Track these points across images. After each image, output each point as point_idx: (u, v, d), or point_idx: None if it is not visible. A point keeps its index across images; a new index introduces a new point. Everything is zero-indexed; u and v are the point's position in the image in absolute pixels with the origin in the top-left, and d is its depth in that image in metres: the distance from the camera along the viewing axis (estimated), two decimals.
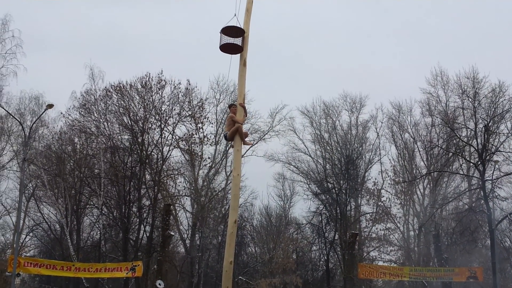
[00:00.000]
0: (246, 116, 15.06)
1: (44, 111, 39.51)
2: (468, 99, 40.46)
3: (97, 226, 43.35)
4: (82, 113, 41.01)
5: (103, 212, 40.78)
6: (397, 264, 45.50)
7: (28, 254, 48.10)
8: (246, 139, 14.42)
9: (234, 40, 14.13)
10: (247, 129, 45.41)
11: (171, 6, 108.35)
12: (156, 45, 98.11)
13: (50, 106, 36.37)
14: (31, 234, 48.76)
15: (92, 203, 42.92)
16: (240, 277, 43.95)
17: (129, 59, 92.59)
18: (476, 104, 38.90)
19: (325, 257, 45.91)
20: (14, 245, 36.68)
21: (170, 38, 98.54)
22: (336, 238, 44.64)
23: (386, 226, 45.91)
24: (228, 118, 14.51)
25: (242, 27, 14.26)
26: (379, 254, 47.08)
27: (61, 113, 41.66)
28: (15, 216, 44.49)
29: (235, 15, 14.37)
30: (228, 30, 14.15)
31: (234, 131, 14.00)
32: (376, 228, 46.09)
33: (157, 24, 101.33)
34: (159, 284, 32.58)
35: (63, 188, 41.20)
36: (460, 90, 42.24)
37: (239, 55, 14.41)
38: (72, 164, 42.45)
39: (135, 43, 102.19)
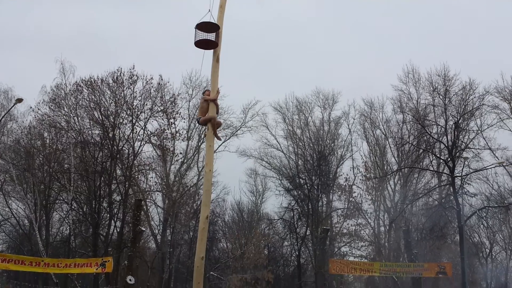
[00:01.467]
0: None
1: (13, 106, 38.98)
2: (439, 97, 40.96)
3: (66, 221, 42.88)
4: (52, 107, 40.40)
5: (73, 207, 40.32)
6: (368, 259, 45.87)
7: None
8: (218, 131, 14.28)
9: (208, 35, 14.01)
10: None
11: (144, 1, 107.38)
12: (128, 41, 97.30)
13: (20, 100, 35.88)
14: None
15: (61, 198, 42.34)
16: (211, 272, 43.92)
17: (101, 56, 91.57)
18: (446, 102, 39.38)
19: (297, 253, 46.09)
20: None
21: (143, 33, 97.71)
22: (307, 233, 44.86)
23: (357, 221, 46.24)
24: (201, 101, 14.41)
25: (216, 23, 14.15)
26: (350, 250, 47.43)
27: (31, 107, 40.98)
28: None
29: (209, 10, 14.24)
30: (203, 26, 14.02)
31: (207, 120, 13.91)
32: (347, 224, 46.45)
33: (129, 20, 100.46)
34: (130, 280, 32.22)
35: (32, 183, 40.62)
36: (431, 88, 42.77)
37: (212, 51, 14.29)
38: (41, 158, 41.83)
39: (107, 40, 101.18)
